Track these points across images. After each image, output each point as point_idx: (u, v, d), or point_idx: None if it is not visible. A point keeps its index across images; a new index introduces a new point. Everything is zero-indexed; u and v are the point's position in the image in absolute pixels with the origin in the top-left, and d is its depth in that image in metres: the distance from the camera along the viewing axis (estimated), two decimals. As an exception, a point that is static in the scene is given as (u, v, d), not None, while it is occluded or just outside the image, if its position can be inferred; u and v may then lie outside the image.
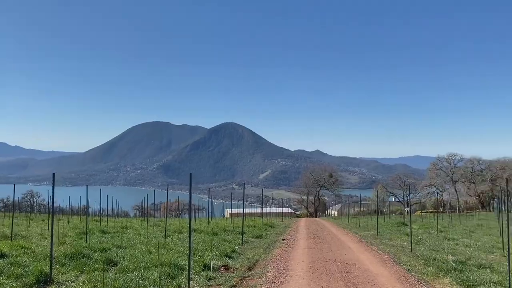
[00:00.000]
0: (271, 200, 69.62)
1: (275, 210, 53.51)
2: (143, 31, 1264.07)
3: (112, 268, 9.88)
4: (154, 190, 32.48)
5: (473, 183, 75.21)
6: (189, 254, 8.62)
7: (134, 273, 9.03)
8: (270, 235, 20.14)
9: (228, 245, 14.26)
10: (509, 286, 7.23)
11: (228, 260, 11.43)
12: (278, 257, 12.59)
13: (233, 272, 9.97)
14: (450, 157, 79.24)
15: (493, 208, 73.85)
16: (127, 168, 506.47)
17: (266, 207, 65.17)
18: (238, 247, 14.25)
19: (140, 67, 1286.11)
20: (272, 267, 10.81)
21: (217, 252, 12.24)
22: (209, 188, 43.25)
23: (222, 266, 10.53)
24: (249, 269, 10.53)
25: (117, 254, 11.56)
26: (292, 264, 11.32)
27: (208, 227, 22.17)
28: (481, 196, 74.65)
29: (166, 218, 20.77)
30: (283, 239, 18.03)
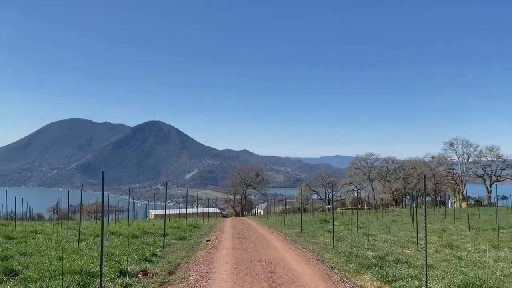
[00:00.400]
0: (197, 200, 68.60)
1: (201, 210, 52.72)
2: (55, 24, 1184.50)
3: (13, 278, 8.73)
4: (69, 191, 30.16)
5: (388, 181, 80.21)
6: (101, 260, 7.83)
7: (38, 283, 8.02)
8: (194, 236, 19.52)
9: (149, 248, 13.46)
10: (426, 280, 7.41)
11: (148, 265, 10.70)
12: (201, 259, 12.08)
13: (152, 278, 9.31)
14: (368, 157, 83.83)
15: (405, 204, 79.42)
16: (42, 168, 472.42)
17: (192, 208, 64.00)
18: (159, 250, 13.51)
19: (58, 61, 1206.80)
20: (195, 270, 10.28)
21: (135, 256, 11.43)
22: (129, 189, 41.27)
23: (140, 271, 9.79)
24: (170, 273, 9.91)
25: (19, 263, 10.30)
26: (215, 266, 10.88)
27: (128, 229, 20.97)
28: (395, 193, 79.82)
29: (80, 220, 19.24)
30: (207, 240, 17.52)
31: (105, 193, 8.73)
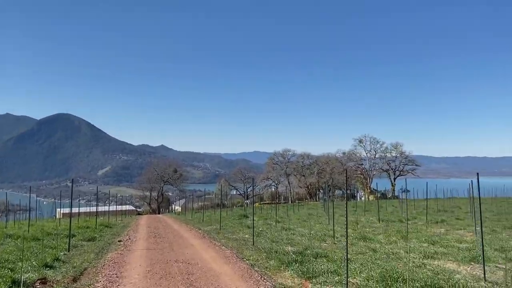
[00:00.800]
0: (110, 198, 65.11)
1: (114, 208, 49.99)
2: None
3: None
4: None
5: (304, 176, 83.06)
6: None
7: None
8: (105, 236, 18.12)
9: (51, 252, 12.05)
10: (347, 275, 7.34)
11: (48, 271, 9.49)
12: (111, 262, 11.06)
13: (51, 286, 8.21)
14: (285, 153, 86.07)
15: (319, 198, 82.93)
16: None
17: (105, 206, 60.55)
18: (64, 254, 12.18)
19: None
20: (103, 275, 9.32)
21: (34, 263, 10.10)
22: (30, 186, 37.63)
23: (38, 279, 8.61)
24: (74, 280, 8.85)
25: None
26: (127, 269, 9.99)
27: (28, 231, 18.89)
28: (309, 187, 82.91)
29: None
30: (119, 241, 16.32)
31: (6, 191, 7.47)
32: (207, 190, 76.34)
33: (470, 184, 17.64)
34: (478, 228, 16.23)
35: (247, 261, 10.62)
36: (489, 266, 9.28)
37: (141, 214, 62.27)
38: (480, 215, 8.42)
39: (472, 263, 9.65)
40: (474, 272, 8.76)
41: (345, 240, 14.14)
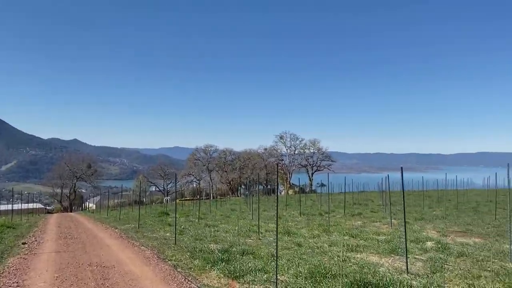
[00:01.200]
0: (15, 196, 59.48)
1: (19, 206, 45.66)
2: None
3: None
4: None
5: (225, 171, 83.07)
6: None
7: None
8: (6, 239, 16.18)
9: None
10: (276, 272, 7.07)
11: None
12: (13, 268, 9.74)
13: None
14: (207, 148, 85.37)
15: (240, 193, 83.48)
16: None
17: (8, 204, 55.17)
18: (-48, 262, 10.52)
19: None
20: (1, 284, 8.11)
21: None
22: None
23: None
24: (-36, 293, 7.58)
25: None
26: (31, 276, 8.83)
27: None
28: (231, 183, 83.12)
29: None
30: (24, 243, 14.63)
31: None
32: (125, 186, 72.98)
33: (387, 178, 18.52)
34: (394, 221, 17.13)
35: (170, 262, 9.97)
36: (408, 257, 9.62)
37: (51, 213, 57.75)
38: (404, 208, 8.65)
39: (392, 255, 9.96)
40: (396, 264, 9.01)
41: (270, 235, 14.05)
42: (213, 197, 68.00)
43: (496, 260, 9.05)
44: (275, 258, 9.31)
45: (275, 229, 15.24)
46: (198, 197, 55.84)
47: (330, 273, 7.56)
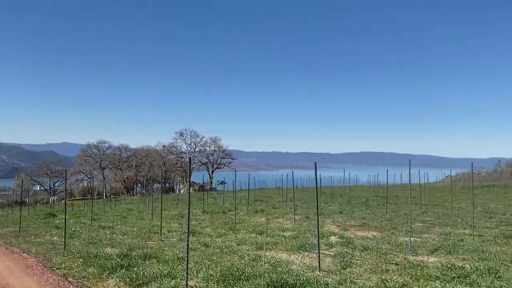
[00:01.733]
0: None
1: None
2: None
3: None
4: None
5: (120, 169, 78.96)
6: None
7: None
8: None
9: None
10: (186, 278, 6.40)
11: None
12: None
13: None
14: (100, 144, 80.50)
15: (136, 192, 80.00)
16: None
17: None
18: None
19: None
20: None
21: None
22: None
23: None
24: None
25: None
26: None
27: None
28: (126, 181, 79.22)
29: None
30: None
31: None
32: (3, 186, 65.17)
33: (287, 175, 18.78)
34: (296, 216, 17.41)
35: (58, 271, 8.63)
36: (315, 253, 9.61)
37: None
38: (317, 203, 8.53)
39: (301, 251, 9.89)
40: (306, 261, 8.91)
41: (173, 236, 13.21)
42: (107, 197, 64.01)
43: (397, 253, 9.46)
44: (182, 261, 8.65)
45: (178, 229, 14.48)
46: (89, 196, 51.95)
47: (244, 274, 7.10)
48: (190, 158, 7.92)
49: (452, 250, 9.48)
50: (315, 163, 8.04)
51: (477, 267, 7.46)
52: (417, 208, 21.29)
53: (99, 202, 42.66)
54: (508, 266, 7.71)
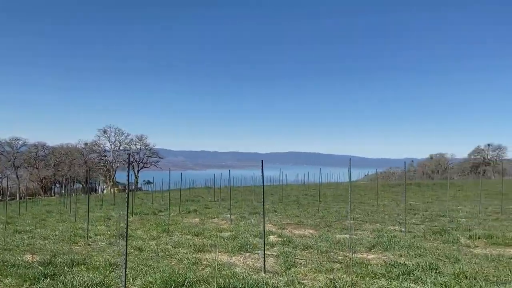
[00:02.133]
0: None
1: None
2: None
3: None
4: None
5: (37, 168, 73.46)
6: None
7: None
8: None
9: None
10: (124, 285, 5.81)
11: None
12: None
13: None
14: (13, 141, 74.22)
15: (54, 192, 74.80)
16: None
17: None
18: None
19: None
20: None
21: None
22: None
23: None
24: None
25: None
26: None
27: None
28: (43, 181, 73.89)
29: None
30: None
31: None
32: None
33: (229, 174, 18.42)
34: (233, 216, 17.09)
35: (-33, 284, 7.50)
36: (257, 253, 9.37)
37: None
38: (263, 202, 8.27)
39: (242, 253, 9.58)
40: (248, 262, 8.60)
41: (102, 239, 12.26)
42: (21, 198, 58.97)
43: (337, 251, 9.51)
44: (115, 267, 7.95)
45: (106, 232, 13.49)
46: (0, 197, 47.49)
47: (187, 280, 6.62)
48: (129, 154, 7.30)
49: (388, 247, 9.74)
50: (262, 161, 7.77)
51: (418, 263, 7.67)
52: (345, 205, 22.02)
53: (12, 204, 39.00)
54: (445, 261, 8.03)
